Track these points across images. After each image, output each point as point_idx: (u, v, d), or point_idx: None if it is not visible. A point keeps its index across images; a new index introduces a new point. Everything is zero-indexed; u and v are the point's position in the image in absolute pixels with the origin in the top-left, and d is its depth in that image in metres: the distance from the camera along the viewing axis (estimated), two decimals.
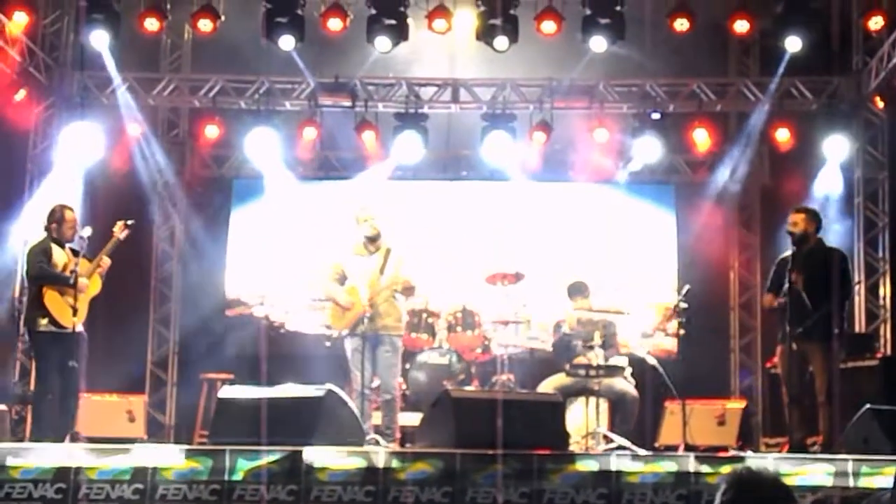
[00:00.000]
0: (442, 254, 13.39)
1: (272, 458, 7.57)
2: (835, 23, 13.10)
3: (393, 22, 11.77)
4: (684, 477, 7.58)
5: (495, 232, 13.60)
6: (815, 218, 9.53)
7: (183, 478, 7.55)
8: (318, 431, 7.89)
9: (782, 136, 13.01)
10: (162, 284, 14.11)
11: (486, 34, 11.90)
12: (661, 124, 12.90)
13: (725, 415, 11.96)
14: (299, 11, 11.85)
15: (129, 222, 9.82)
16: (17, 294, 12.59)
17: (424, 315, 12.42)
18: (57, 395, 9.34)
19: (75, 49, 13.06)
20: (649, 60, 13.05)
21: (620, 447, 9.48)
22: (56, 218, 9.65)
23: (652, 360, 10.91)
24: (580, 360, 10.42)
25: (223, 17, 12.13)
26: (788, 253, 9.34)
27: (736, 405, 12.28)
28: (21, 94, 12.31)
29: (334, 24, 11.94)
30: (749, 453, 9.68)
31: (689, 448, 9.72)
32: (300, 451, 7.58)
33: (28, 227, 12.01)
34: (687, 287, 10.47)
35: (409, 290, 10.08)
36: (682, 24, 11.84)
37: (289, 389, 8.38)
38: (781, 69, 12.57)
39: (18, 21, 11.96)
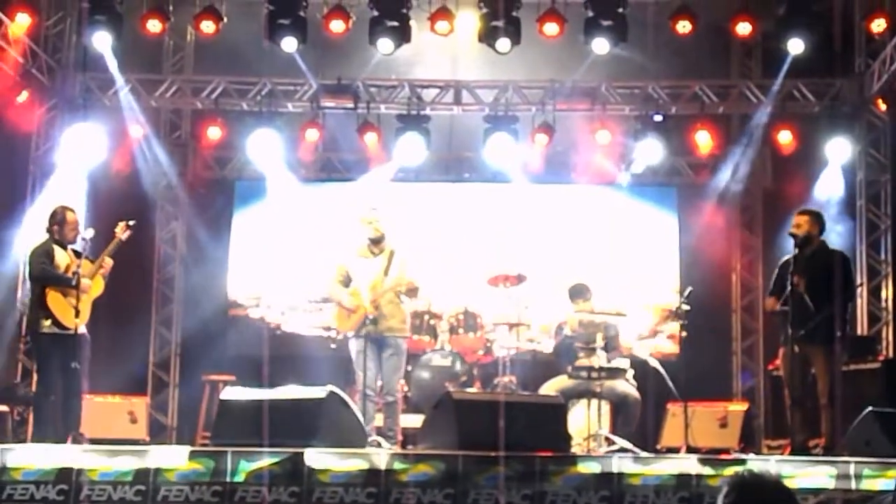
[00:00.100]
0: (444, 256, 13.39)
1: (274, 459, 7.57)
2: (837, 25, 13.10)
3: (395, 24, 11.77)
4: (686, 479, 7.57)
5: (497, 234, 13.59)
6: (818, 220, 9.53)
7: (185, 479, 7.55)
8: (320, 433, 7.88)
9: (784, 138, 13.01)
10: (164, 286, 14.12)
11: (488, 36, 11.90)
12: (663, 126, 12.90)
13: (727, 417, 11.96)
14: (302, 13, 11.86)
15: (131, 223, 9.82)
16: (19, 295, 12.61)
17: (426, 317, 12.43)
18: (59, 396, 9.33)
19: (78, 50, 13.08)
20: (651, 62, 13.06)
21: (622, 449, 9.48)
22: (58, 220, 9.65)
23: (654, 363, 10.92)
24: (582, 362, 10.41)
25: (225, 19, 12.13)
26: (791, 255, 9.33)
27: (738, 407, 12.28)
28: (23, 96, 12.32)
29: (337, 25, 11.95)
30: (751, 456, 9.66)
31: (690, 450, 9.71)
32: (302, 453, 7.58)
33: (31, 228, 12.03)
34: (689, 289, 10.47)
35: (412, 292, 10.08)
36: (684, 26, 11.83)
37: (290, 391, 8.37)
38: (784, 71, 12.57)
39: (21, 22, 11.97)
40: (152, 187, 13.76)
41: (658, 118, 12.91)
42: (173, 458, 7.65)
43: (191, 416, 13.05)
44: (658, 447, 11.52)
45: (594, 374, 10.17)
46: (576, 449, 9.11)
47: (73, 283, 9.26)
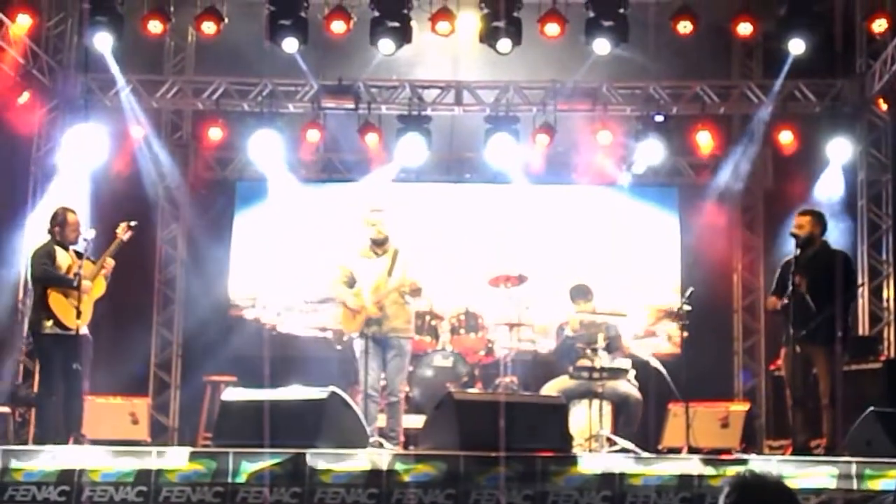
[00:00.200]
0: (445, 256, 13.39)
1: (275, 460, 7.56)
2: (838, 25, 13.10)
3: (396, 24, 11.76)
4: (687, 479, 7.57)
5: (498, 234, 13.60)
6: (820, 220, 9.54)
7: (186, 480, 7.55)
8: (322, 434, 7.88)
9: (786, 138, 13.01)
10: (165, 287, 14.13)
11: (489, 36, 11.89)
12: (664, 127, 12.90)
13: (729, 417, 11.96)
14: (303, 14, 11.85)
15: (132, 223, 9.82)
16: (20, 296, 12.62)
17: (428, 317, 12.42)
18: (61, 397, 9.34)
19: (79, 51, 13.08)
20: (653, 63, 13.06)
21: (624, 449, 9.49)
22: (59, 221, 9.66)
23: (655, 363, 10.93)
24: (583, 362, 10.41)
25: (227, 20, 12.13)
26: (793, 255, 9.32)
27: (739, 408, 12.29)
28: (25, 97, 12.32)
29: (338, 26, 11.94)
30: (752, 456, 9.66)
31: (692, 450, 9.73)
32: (303, 454, 7.58)
33: (33, 230, 12.05)
34: (690, 289, 10.48)
35: (416, 292, 10.08)
36: (685, 27, 11.83)
37: (292, 392, 8.37)
38: (785, 72, 12.57)
39: (21, 23, 11.97)
40: (153, 188, 13.77)
41: (659, 118, 12.91)
42: (175, 459, 7.65)
43: (192, 417, 13.06)
44: (659, 447, 11.52)
45: (595, 375, 10.17)
46: (577, 449, 9.10)
47: (75, 284, 9.27)
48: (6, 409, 11.11)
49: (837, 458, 7.97)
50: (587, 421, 9.98)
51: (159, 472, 7.57)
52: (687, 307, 10.23)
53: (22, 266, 12.47)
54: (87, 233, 9.63)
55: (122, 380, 12.78)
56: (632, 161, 13.35)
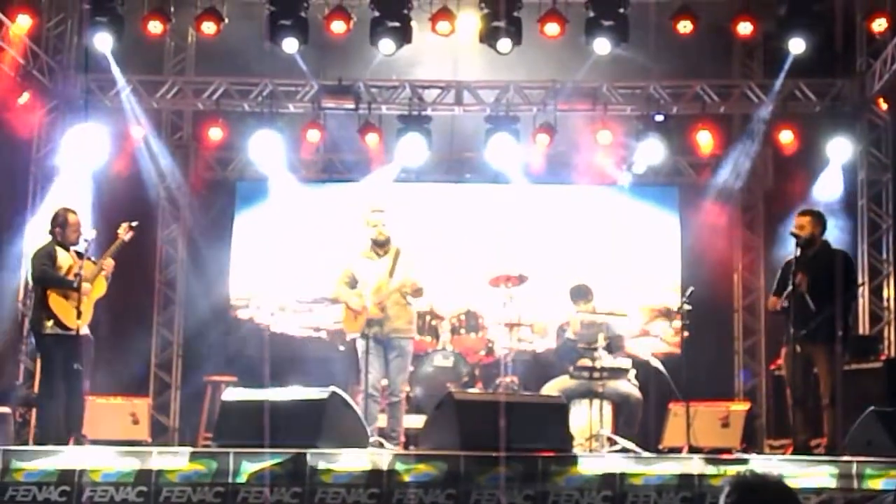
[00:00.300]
0: (445, 256, 13.38)
1: (276, 460, 7.56)
2: (838, 25, 13.09)
3: (396, 24, 11.76)
4: (688, 479, 7.57)
5: (499, 234, 13.59)
6: (820, 220, 9.55)
7: (187, 480, 7.55)
8: (322, 434, 7.88)
9: (786, 138, 13.00)
10: (166, 287, 14.13)
11: (489, 36, 11.89)
12: (664, 126, 12.90)
13: (729, 417, 11.97)
14: (303, 14, 11.85)
15: (134, 224, 9.82)
16: (20, 297, 12.62)
17: (428, 317, 12.44)
18: (62, 397, 9.34)
19: (79, 52, 13.07)
20: (653, 63, 13.05)
21: (624, 449, 9.49)
22: (59, 221, 9.66)
23: (656, 363, 10.93)
24: (584, 362, 10.41)
25: (227, 20, 12.13)
26: (794, 255, 9.32)
27: (740, 407, 12.29)
28: (24, 97, 12.32)
29: (338, 26, 11.95)
30: (753, 455, 9.66)
31: (693, 450, 9.73)
32: (304, 454, 7.58)
33: (34, 231, 12.06)
34: (690, 289, 10.48)
35: (417, 293, 10.06)
36: (685, 27, 11.83)
37: (292, 392, 8.37)
38: (785, 71, 12.57)
39: (21, 23, 11.97)
40: (153, 188, 13.76)
41: (659, 118, 12.91)
42: (175, 460, 7.65)
43: (193, 417, 13.07)
44: (660, 447, 11.52)
45: (596, 375, 10.17)
46: (578, 449, 9.11)
47: (75, 285, 9.27)
48: (6, 410, 11.10)
49: (838, 457, 7.97)
50: (588, 421, 9.98)
51: (160, 472, 7.56)
52: (687, 307, 10.24)
53: (22, 267, 12.48)
54: (88, 233, 9.64)
55: (123, 380, 12.78)
56: (632, 161, 13.35)
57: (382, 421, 10.08)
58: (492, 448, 7.51)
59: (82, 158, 12.72)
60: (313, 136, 13.35)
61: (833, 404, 9.10)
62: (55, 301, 9.37)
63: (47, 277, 9.47)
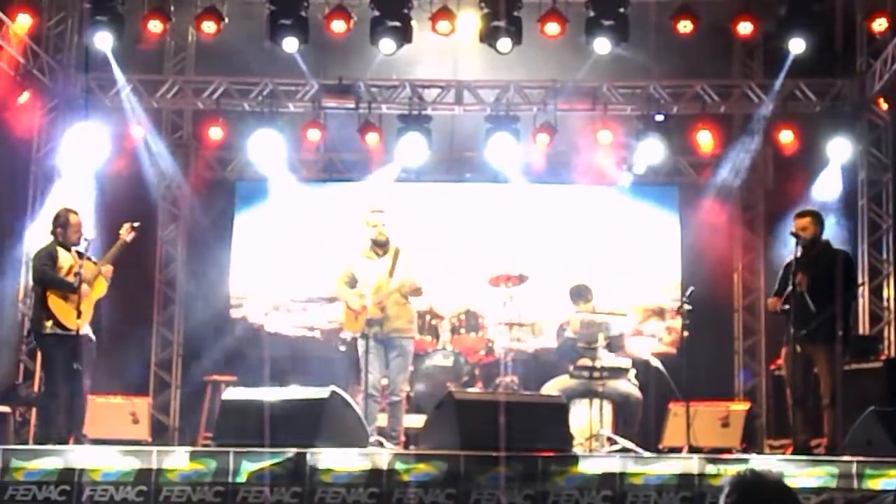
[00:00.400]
0: (445, 256, 13.38)
1: (276, 460, 7.56)
2: (838, 25, 13.09)
3: (396, 24, 11.76)
4: (688, 479, 7.57)
5: (499, 234, 13.60)
6: (820, 220, 9.56)
7: (187, 480, 7.55)
8: (322, 433, 7.88)
9: (786, 137, 13.00)
10: (166, 287, 14.13)
11: (489, 36, 11.89)
12: (664, 126, 12.89)
13: (729, 417, 11.97)
14: (303, 13, 11.86)
15: (136, 225, 9.82)
16: (20, 297, 12.63)
17: (428, 317, 12.45)
18: (64, 396, 9.33)
19: (79, 51, 13.07)
20: (653, 62, 13.05)
21: (624, 449, 9.48)
22: (61, 222, 9.65)
23: (656, 363, 10.93)
24: (584, 361, 10.41)
25: (227, 20, 12.13)
26: (794, 256, 9.32)
27: (740, 407, 12.30)
28: (25, 97, 12.31)
29: (338, 26, 11.94)
30: (753, 455, 9.66)
31: (692, 450, 9.73)
32: (304, 453, 7.58)
33: (36, 231, 12.08)
34: (691, 289, 10.49)
35: (416, 292, 10.06)
36: (685, 26, 11.83)
37: (292, 391, 8.37)
38: (785, 71, 12.57)
39: (22, 23, 11.97)
40: (154, 188, 13.77)
41: (659, 118, 12.91)
42: (175, 459, 7.65)
43: (193, 417, 13.07)
44: (660, 447, 11.52)
45: (596, 374, 10.17)
46: (578, 449, 9.11)
47: (75, 286, 9.26)
48: (6, 409, 11.11)
49: (838, 457, 7.97)
50: (588, 420, 9.98)
51: (160, 471, 7.57)
52: (687, 306, 10.24)
53: (23, 266, 12.50)
54: (88, 233, 9.63)
55: (123, 379, 12.78)
56: (632, 161, 13.34)
57: (382, 420, 10.07)
58: (492, 448, 7.51)
59: (82, 158, 12.72)
60: (313, 135, 13.35)
61: (833, 404, 9.10)
62: (54, 301, 9.37)
63: (47, 278, 9.47)
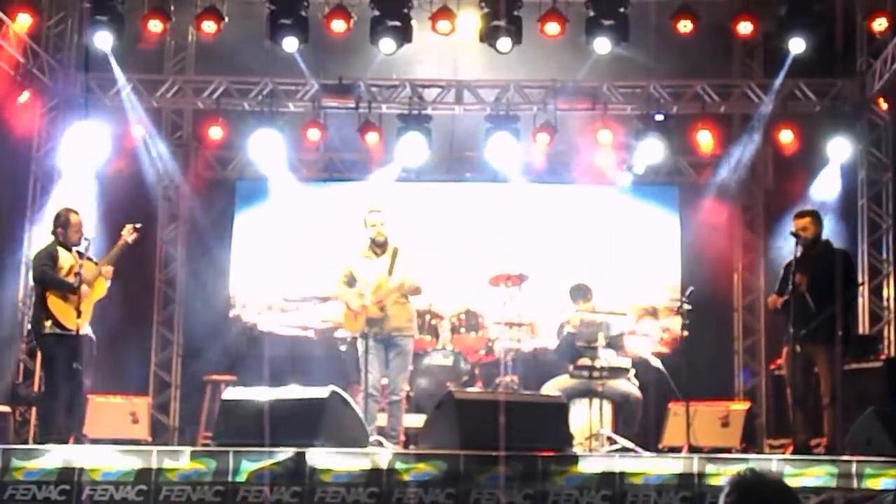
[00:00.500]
0: (445, 255, 13.39)
1: (276, 459, 7.57)
2: (838, 25, 13.08)
3: (396, 24, 11.76)
4: (688, 478, 7.57)
5: (499, 234, 13.60)
6: (819, 220, 9.58)
7: (187, 479, 7.55)
8: (322, 433, 7.88)
9: (786, 137, 13.00)
10: (166, 286, 14.13)
11: (489, 36, 11.90)
12: (664, 126, 12.89)
13: (729, 416, 11.96)
14: (303, 13, 11.86)
15: (138, 226, 9.82)
16: (20, 296, 12.62)
17: (428, 317, 12.44)
18: (64, 396, 9.33)
19: (79, 50, 13.06)
20: (653, 62, 13.04)
21: (624, 449, 9.49)
22: (61, 222, 9.65)
23: (656, 362, 10.93)
24: (584, 361, 10.41)
25: (227, 19, 12.13)
26: (794, 255, 9.32)
27: (740, 407, 12.29)
28: (25, 96, 12.31)
29: (338, 25, 11.94)
30: (753, 455, 9.66)
31: (692, 449, 9.73)
32: (304, 453, 7.58)
33: (37, 232, 12.08)
34: (690, 288, 10.49)
35: (416, 291, 10.05)
36: (685, 26, 11.83)
37: (292, 391, 8.37)
38: (785, 71, 12.57)
39: (22, 22, 11.96)
40: (154, 188, 13.77)
41: (659, 118, 12.90)
42: (175, 459, 7.65)
43: (192, 417, 13.06)
44: (660, 446, 11.52)
45: (596, 374, 10.17)
46: (577, 448, 9.11)
47: (74, 286, 9.25)
48: (6, 409, 11.11)
49: (838, 457, 7.97)
50: (587, 420, 9.98)
51: (160, 471, 7.56)
52: (687, 306, 10.24)
53: (23, 265, 12.50)
54: (88, 233, 9.63)
55: (123, 379, 12.79)
56: (632, 160, 13.34)
57: (382, 420, 10.07)
58: (492, 447, 7.52)
59: (83, 158, 12.72)
60: (313, 135, 13.34)
61: (833, 404, 9.11)
62: (54, 301, 9.37)
63: (47, 279, 9.46)
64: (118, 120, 13.01)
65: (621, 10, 11.72)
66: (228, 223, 14.09)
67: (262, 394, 8.23)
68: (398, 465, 7.59)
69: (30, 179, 13.02)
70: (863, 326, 12.83)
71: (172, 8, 12.21)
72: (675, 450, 10.48)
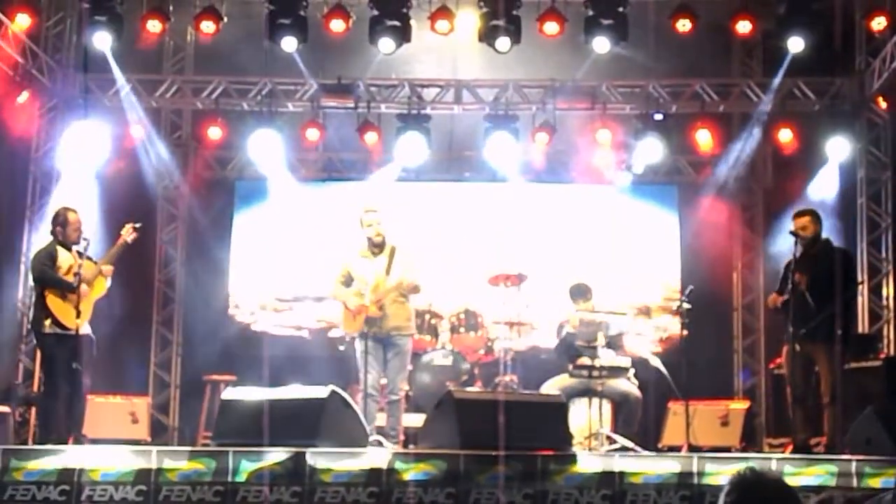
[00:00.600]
0: (444, 255, 13.40)
1: (275, 459, 7.57)
2: (837, 23, 13.07)
3: (395, 23, 11.76)
4: (688, 478, 7.57)
5: (498, 233, 13.60)
6: (819, 219, 9.58)
7: (186, 479, 7.55)
8: (322, 433, 7.88)
9: (785, 136, 12.99)
10: (165, 286, 14.12)
11: (488, 35, 11.89)
12: (663, 125, 12.89)
13: (729, 415, 11.96)
14: (302, 13, 11.85)
15: (137, 225, 9.82)
16: (20, 296, 12.62)
17: (427, 316, 12.43)
18: (64, 396, 9.33)
19: (78, 51, 13.06)
20: (652, 61, 13.05)
21: (624, 448, 9.48)
22: (60, 220, 9.66)
23: (655, 361, 10.93)
24: (583, 360, 10.41)
25: (225, 19, 12.12)
26: (793, 254, 9.33)
27: (739, 406, 12.29)
28: (24, 97, 12.30)
29: (337, 25, 11.94)
30: (752, 454, 9.66)
31: (692, 449, 9.73)
32: (303, 453, 7.58)
33: (38, 232, 12.08)
34: (690, 288, 10.49)
35: (414, 290, 10.05)
36: (684, 25, 11.82)
37: (292, 391, 8.37)
38: (784, 70, 12.56)
39: (21, 22, 11.94)
40: (153, 188, 13.77)
41: (659, 117, 12.90)
42: (175, 459, 7.65)
43: (192, 417, 13.06)
44: (659, 446, 11.54)
45: (595, 373, 10.17)
46: (577, 448, 9.10)
47: (74, 285, 9.25)
48: (6, 409, 11.10)
49: (837, 456, 7.97)
50: (587, 419, 9.98)
51: (159, 471, 7.57)
52: (687, 305, 10.24)
53: (22, 265, 12.50)
54: (87, 232, 9.63)
55: (122, 379, 12.79)
56: (631, 160, 13.33)
57: (381, 420, 10.07)
58: (491, 447, 7.52)
59: (82, 158, 12.71)
60: (312, 135, 13.34)
61: (833, 403, 9.11)
62: (53, 301, 9.37)
63: (46, 278, 9.47)
64: (117, 120, 13.01)
65: (620, 9, 11.71)
66: (228, 223, 14.09)
67: (261, 393, 8.23)
68: (398, 465, 7.59)
69: (29, 180, 13.02)
70: (862, 325, 12.83)
71: (171, 8, 12.21)
72: (674, 449, 10.49)
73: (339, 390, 8.28)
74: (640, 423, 10.67)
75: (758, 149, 13.43)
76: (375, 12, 11.78)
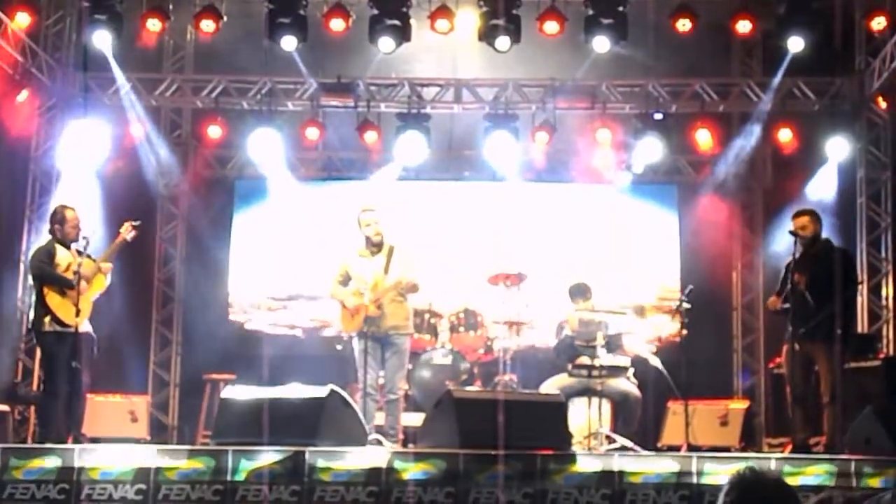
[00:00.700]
0: (444, 254, 13.39)
1: (275, 458, 7.57)
2: (837, 23, 13.05)
3: (395, 22, 11.76)
4: (687, 477, 7.58)
5: (497, 232, 13.59)
6: (818, 218, 9.59)
7: (185, 478, 7.55)
8: (321, 432, 7.88)
9: (785, 136, 12.99)
10: (165, 285, 14.12)
11: (488, 34, 11.90)
12: (663, 125, 12.88)
13: (728, 415, 11.97)
14: (301, 12, 11.85)
15: (136, 223, 9.83)
16: (19, 296, 12.62)
17: (427, 315, 12.41)
18: (64, 394, 9.33)
19: (78, 49, 13.05)
20: (652, 61, 13.04)
21: (623, 447, 9.48)
22: (58, 218, 9.67)
23: (655, 361, 10.92)
24: (583, 360, 10.41)
25: (225, 18, 12.12)
26: (794, 255, 9.32)
27: (739, 405, 12.29)
28: (23, 95, 12.29)
29: (336, 24, 11.94)
30: (752, 454, 9.66)
31: (691, 448, 9.73)
32: (303, 452, 7.58)
33: (34, 229, 12.08)
34: (689, 287, 10.48)
35: (413, 289, 10.05)
36: (684, 25, 11.83)
37: (291, 390, 8.37)
38: (784, 69, 12.56)
39: (20, 21, 11.94)
40: (153, 187, 13.76)
41: (658, 116, 12.89)
42: (174, 457, 7.66)
43: (191, 416, 13.05)
44: (659, 445, 11.53)
45: (595, 373, 10.17)
46: (576, 447, 9.11)
47: (73, 283, 9.26)
48: (6, 408, 11.11)
49: (837, 455, 7.97)
50: (586, 419, 9.98)
51: (158, 470, 7.57)
52: (686, 305, 10.24)
53: (21, 265, 12.50)
54: (87, 231, 9.63)
55: (122, 378, 12.79)
56: (631, 159, 13.33)
57: (381, 419, 10.08)
58: (491, 446, 7.52)
59: (81, 157, 12.71)
60: (312, 134, 13.33)
61: (832, 402, 9.11)
62: (52, 298, 9.38)
63: (44, 275, 9.47)
64: (117, 119, 13.00)
65: (620, 8, 11.72)
66: (227, 222, 14.08)
67: (261, 392, 8.23)
68: (397, 464, 7.59)
69: (28, 179, 13.01)
70: (862, 325, 12.83)
71: (171, 7, 12.20)
72: (673, 448, 10.49)
73: (339, 389, 8.28)
74: (639, 422, 10.68)
75: (757, 148, 13.43)
76: (375, 11, 11.78)
